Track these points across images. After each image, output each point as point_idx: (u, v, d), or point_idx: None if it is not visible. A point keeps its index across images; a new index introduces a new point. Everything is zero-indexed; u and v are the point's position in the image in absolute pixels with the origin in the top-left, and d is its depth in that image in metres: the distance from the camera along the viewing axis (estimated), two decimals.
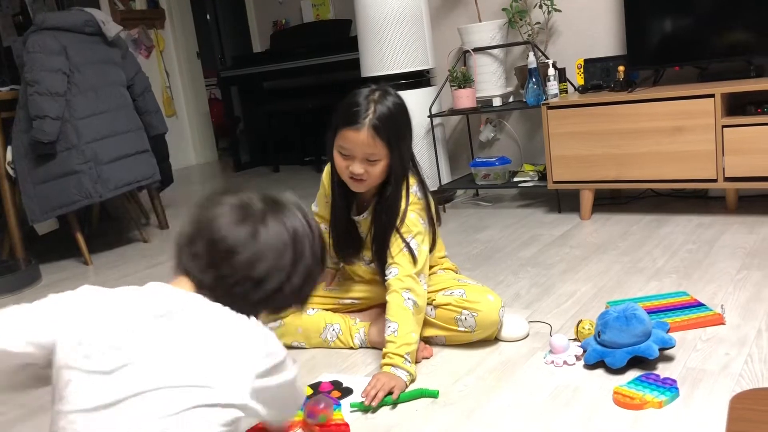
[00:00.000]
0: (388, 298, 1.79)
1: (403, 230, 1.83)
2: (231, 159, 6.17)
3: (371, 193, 1.88)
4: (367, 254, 1.96)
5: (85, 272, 3.21)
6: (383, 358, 1.72)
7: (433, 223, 1.91)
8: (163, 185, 4.01)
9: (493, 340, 1.90)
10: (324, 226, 2.08)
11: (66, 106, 3.14)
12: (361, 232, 1.95)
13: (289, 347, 2.00)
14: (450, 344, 1.89)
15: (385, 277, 1.83)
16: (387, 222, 1.84)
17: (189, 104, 6.60)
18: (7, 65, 3.40)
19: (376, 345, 1.92)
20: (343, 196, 1.90)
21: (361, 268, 2.01)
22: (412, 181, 1.87)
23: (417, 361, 1.80)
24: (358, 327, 1.98)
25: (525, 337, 1.90)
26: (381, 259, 1.88)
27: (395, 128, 1.77)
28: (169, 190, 4.34)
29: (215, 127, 6.92)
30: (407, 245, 1.82)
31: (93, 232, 3.92)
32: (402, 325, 1.73)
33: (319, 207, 2.08)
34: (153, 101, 3.71)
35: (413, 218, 1.85)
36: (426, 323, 1.86)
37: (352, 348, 1.97)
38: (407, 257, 1.81)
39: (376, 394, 1.62)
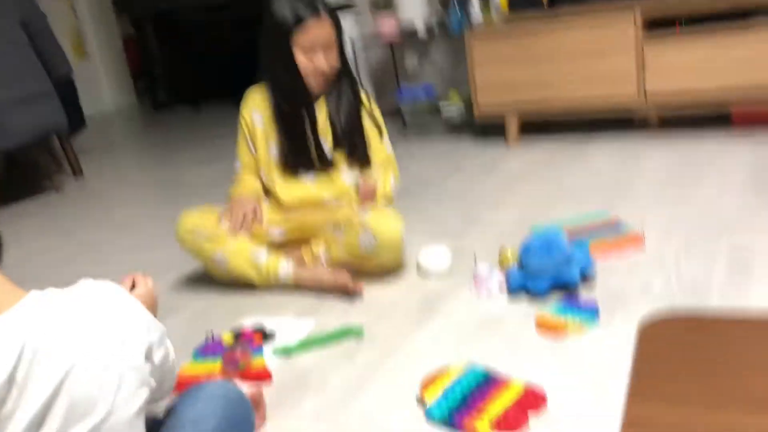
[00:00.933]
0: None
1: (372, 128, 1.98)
2: (149, 100, 5.89)
3: (319, 91, 1.94)
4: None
5: None
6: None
7: None
8: (74, 130, 3.78)
9: (418, 275, 1.88)
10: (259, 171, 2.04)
11: None
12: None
13: (211, 259, 1.89)
14: (372, 278, 1.85)
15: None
16: (349, 105, 1.94)
17: (101, 45, 6.22)
18: None
19: (301, 283, 1.86)
20: (301, 106, 1.92)
21: (304, 186, 1.96)
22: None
23: (347, 291, 1.78)
24: (283, 260, 1.89)
25: (449, 270, 1.88)
26: (352, 146, 1.95)
27: (333, 9, 1.89)
28: (83, 135, 4.10)
29: (131, 67, 6.56)
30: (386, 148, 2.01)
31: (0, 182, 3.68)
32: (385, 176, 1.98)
33: (245, 154, 2.02)
34: (52, 40, 3.44)
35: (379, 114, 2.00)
36: (334, 243, 1.87)
37: (270, 282, 1.87)
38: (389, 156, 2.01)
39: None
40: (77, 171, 3.69)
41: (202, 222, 1.89)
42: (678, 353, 1.28)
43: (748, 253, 1.70)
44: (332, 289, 1.82)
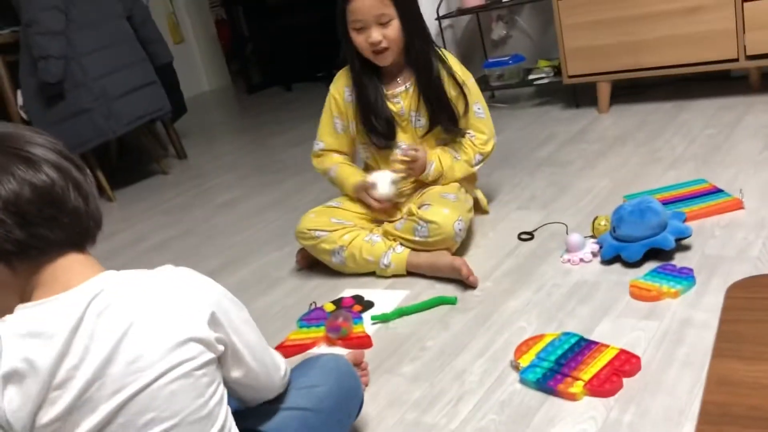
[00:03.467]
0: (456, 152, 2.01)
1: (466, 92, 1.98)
2: (243, 81, 6.10)
3: (399, 67, 1.95)
4: (404, 137, 1.99)
5: (110, 209, 3.27)
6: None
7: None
8: (176, 115, 4.00)
9: (512, 241, 1.91)
10: (338, 155, 2.06)
11: (68, 44, 3.11)
12: (401, 108, 1.97)
13: (330, 260, 1.93)
14: (462, 249, 1.91)
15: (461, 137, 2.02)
16: (428, 77, 1.92)
17: (196, 29, 6.48)
18: (4, 6, 3.34)
19: (415, 268, 1.84)
20: (371, 80, 1.94)
21: (392, 156, 1.98)
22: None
23: (461, 274, 1.73)
24: (397, 247, 1.88)
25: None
26: (440, 117, 1.96)
27: None
28: (184, 119, 4.33)
29: (225, 49, 6.81)
30: (474, 109, 2.01)
31: (113, 168, 3.96)
32: (453, 164, 1.98)
33: (328, 135, 2.05)
34: (155, 30, 3.65)
35: (471, 80, 2.01)
36: (393, 234, 1.90)
37: (387, 272, 1.87)
38: (482, 122, 2.03)
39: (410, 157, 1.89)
40: (181, 154, 3.92)
41: (318, 224, 1.92)
42: (762, 313, 1.30)
43: None
44: (447, 271, 1.78)
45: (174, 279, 0.94)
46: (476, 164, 2.04)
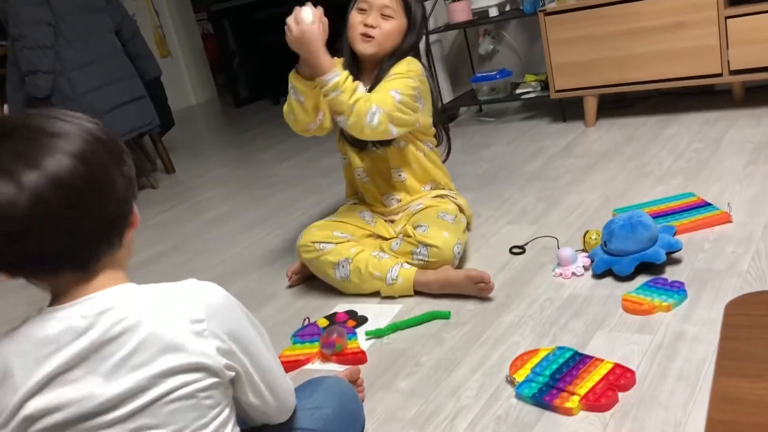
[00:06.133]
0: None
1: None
2: (230, 95, 6.10)
3: (374, 66, 1.94)
4: None
5: None
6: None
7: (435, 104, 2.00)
8: (164, 129, 3.99)
9: (504, 255, 1.92)
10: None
11: (56, 58, 3.10)
12: None
13: (332, 275, 1.88)
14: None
15: None
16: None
17: (182, 42, 6.48)
18: None
19: (424, 287, 1.80)
20: (355, 73, 1.88)
21: (368, 155, 2.01)
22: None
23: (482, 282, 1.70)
24: (405, 264, 1.83)
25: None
26: None
27: None
28: (171, 132, 4.32)
29: (211, 63, 6.81)
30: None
31: None
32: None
33: None
34: (143, 45, 3.64)
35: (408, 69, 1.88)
36: (390, 254, 1.87)
37: (394, 292, 1.82)
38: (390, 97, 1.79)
39: None
40: (170, 168, 3.90)
41: (322, 237, 1.90)
42: (761, 330, 1.31)
43: None
44: (461, 285, 1.73)
45: (193, 299, 0.90)
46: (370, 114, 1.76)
